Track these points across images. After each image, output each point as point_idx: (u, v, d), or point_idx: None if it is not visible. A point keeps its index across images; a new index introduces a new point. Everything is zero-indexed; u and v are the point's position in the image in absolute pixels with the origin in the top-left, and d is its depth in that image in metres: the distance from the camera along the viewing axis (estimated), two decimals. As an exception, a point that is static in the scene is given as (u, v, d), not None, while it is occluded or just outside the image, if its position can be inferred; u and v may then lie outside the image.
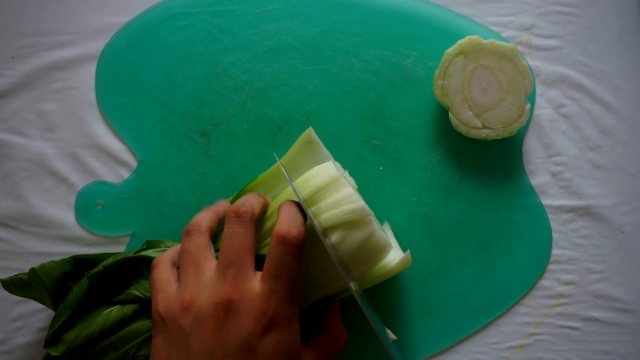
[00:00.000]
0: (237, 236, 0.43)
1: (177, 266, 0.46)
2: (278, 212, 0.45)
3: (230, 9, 0.58)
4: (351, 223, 0.45)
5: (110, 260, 0.48)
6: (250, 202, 0.45)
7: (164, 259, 0.46)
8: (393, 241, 0.52)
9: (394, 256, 0.49)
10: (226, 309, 0.40)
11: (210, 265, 0.43)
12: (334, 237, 0.44)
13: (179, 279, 0.45)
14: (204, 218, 0.46)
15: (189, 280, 0.43)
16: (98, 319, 0.46)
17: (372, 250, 0.45)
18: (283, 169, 0.48)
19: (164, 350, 0.42)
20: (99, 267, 0.48)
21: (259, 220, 0.46)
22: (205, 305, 0.41)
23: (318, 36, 0.57)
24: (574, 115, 0.57)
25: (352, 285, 0.44)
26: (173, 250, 0.47)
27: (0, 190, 0.55)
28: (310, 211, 0.45)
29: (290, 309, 0.42)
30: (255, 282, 0.41)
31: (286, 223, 0.42)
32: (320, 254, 0.45)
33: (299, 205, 0.45)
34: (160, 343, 0.43)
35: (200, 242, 0.44)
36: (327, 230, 0.45)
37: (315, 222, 0.44)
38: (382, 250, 0.46)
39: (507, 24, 0.58)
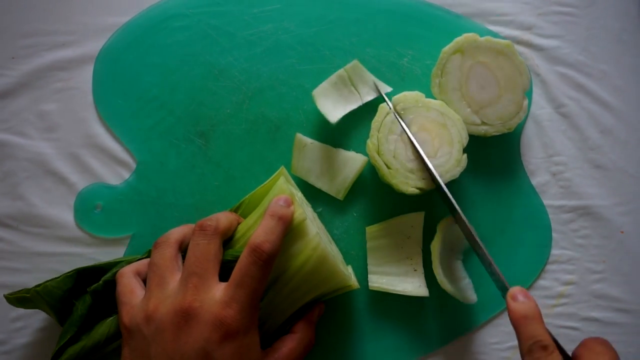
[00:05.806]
0: (199, 247, 0.44)
1: (143, 278, 0.47)
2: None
3: (227, 9, 0.58)
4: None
5: (110, 274, 0.48)
6: (216, 217, 0.46)
7: (126, 271, 0.47)
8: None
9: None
10: (186, 317, 0.41)
11: (174, 276, 0.44)
12: None
13: (145, 288, 0.46)
14: (175, 231, 0.47)
15: (154, 291, 0.44)
16: (102, 327, 0.47)
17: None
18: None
19: None
20: (100, 283, 0.48)
21: (226, 234, 0.47)
22: (166, 313, 0.42)
23: (315, 36, 0.57)
24: (574, 115, 0.57)
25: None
26: (138, 262, 0.48)
27: (0, 190, 0.55)
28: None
29: (249, 318, 0.42)
30: (217, 290, 0.42)
31: (261, 236, 0.43)
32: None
33: (280, 218, 0.45)
34: (127, 353, 0.43)
35: (166, 254, 0.45)
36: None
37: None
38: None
39: (507, 23, 0.58)
